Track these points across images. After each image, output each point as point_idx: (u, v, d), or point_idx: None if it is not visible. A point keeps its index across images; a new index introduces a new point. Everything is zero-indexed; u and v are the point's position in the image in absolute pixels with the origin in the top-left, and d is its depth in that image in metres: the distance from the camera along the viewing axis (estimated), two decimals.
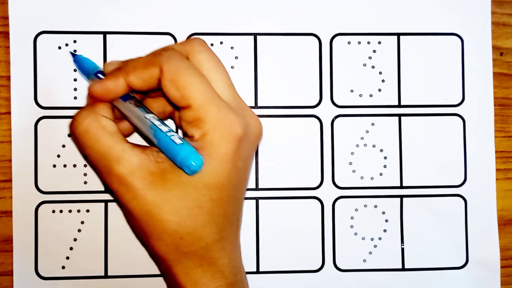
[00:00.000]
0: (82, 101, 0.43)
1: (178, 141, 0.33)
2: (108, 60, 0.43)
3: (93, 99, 0.36)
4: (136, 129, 0.39)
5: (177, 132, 0.41)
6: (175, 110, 0.39)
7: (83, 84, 0.43)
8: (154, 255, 0.36)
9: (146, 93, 0.38)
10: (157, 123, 0.35)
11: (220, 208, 0.34)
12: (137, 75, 0.34)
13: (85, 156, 0.36)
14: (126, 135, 0.40)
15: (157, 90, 0.36)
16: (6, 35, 0.43)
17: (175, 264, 0.35)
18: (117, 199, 0.39)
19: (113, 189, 0.34)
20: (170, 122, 0.43)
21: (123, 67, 0.35)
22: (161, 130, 0.34)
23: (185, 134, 0.35)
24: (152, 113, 0.36)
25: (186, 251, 0.34)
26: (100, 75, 0.38)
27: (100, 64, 0.42)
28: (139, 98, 0.38)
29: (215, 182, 0.34)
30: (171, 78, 0.33)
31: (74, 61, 0.41)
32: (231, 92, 0.36)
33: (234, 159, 0.34)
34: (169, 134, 0.34)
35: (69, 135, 0.43)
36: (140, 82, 0.34)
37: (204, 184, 0.34)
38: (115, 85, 0.35)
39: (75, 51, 0.43)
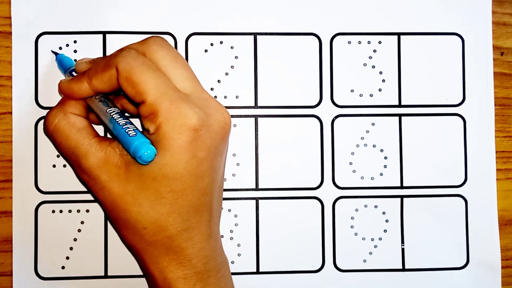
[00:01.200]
0: None
1: (132, 133, 0.35)
2: None
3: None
4: (102, 124, 0.41)
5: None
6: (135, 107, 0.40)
7: None
8: (125, 244, 0.39)
9: (118, 93, 0.40)
10: (116, 116, 0.36)
11: (182, 199, 0.35)
12: (98, 78, 0.36)
13: (60, 153, 0.39)
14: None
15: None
16: (8, 35, 0.43)
17: (143, 253, 0.37)
18: (91, 192, 0.42)
19: (84, 181, 0.37)
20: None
21: (87, 70, 0.37)
22: (119, 123, 0.36)
23: (144, 129, 0.36)
24: (115, 107, 0.37)
25: (151, 240, 0.36)
26: (74, 73, 0.39)
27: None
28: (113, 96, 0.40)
29: (173, 174, 0.35)
30: (125, 77, 0.35)
31: (56, 60, 0.42)
32: (191, 84, 0.36)
33: (191, 150, 0.34)
34: (125, 127, 0.35)
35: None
36: (102, 84, 0.36)
37: (162, 176, 0.34)
38: (78, 88, 0.37)
39: (60, 48, 0.43)
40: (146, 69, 0.35)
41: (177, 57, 0.37)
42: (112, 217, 0.37)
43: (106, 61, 0.36)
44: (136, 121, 0.42)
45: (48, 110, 0.38)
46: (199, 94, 0.37)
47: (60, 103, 0.39)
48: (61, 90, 0.38)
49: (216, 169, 0.37)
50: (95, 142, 0.36)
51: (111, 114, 0.36)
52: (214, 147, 0.36)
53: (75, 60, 0.42)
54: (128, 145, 0.35)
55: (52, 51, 0.43)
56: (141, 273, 0.43)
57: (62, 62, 0.41)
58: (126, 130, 0.35)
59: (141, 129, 0.36)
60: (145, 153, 0.34)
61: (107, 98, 0.38)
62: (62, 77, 0.43)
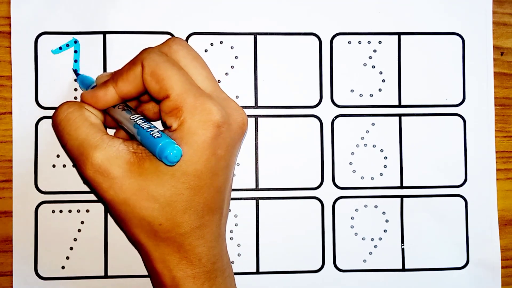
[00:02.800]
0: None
1: (157, 135, 0.34)
2: (108, 59, 0.43)
3: None
4: (127, 133, 0.40)
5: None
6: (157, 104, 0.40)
7: None
8: (133, 242, 0.38)
9: (138, 99, 0.40)
10: (140, 121, 0.36)
11: (199, 196, 0.35)
12: (124, 79, 0.36)
13: (63, 146, 0.37)
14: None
15: (146, 93, 0.38)
16: (7, 35, 0.43)
17: (153, 250, 0.36)
18: (94, 192, 0.40)
19: (89, 179, 0.35)
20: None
21: (112, 76, 0.37)
22: (143, 127, 0.35)
23: (165, 126, 0.36)
24: (137, 114, 0.37)
25: (164, 237, 0.35)
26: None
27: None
28: (133, 105, 0.40)
29: (193, 170, 0.34)
30: (151, 72, 0.35)
31: (77, 80, 0.42)
32: (211, 84, 0.37)
33: (212, 146, 0.35)
34: (149, 130, 0.35)
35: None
36: (127, 85, 0.36)
37: (182, 172, 0.34)
38: (104, 94, 0.37)
39: (76, 70, 0.43)
40: (171, 66, 0.35)
41: (197, 57, 0.37)
42: (123, 217, 0.36)
43: (131, 61, 0.36)
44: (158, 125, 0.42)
45: (62, 103, 0.38)
46: (219, 93, 0.37)
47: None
48: (85, 99, 0.38)
49: (231, 168, 0.37)
50: (107, 138, 0.35)
51: (135, 120, 0.36)
52: (232, 146, 0.36)
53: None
54: (153, 146, 0.34)
55: (74, 70, 0.43)
56: (141, 273, 0.43)
57: (84, 81, 0.41)
58: (151, 133, 0.34)
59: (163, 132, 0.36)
60: (171, 153, 0.33)
61: (129, 107, 0.38)
62: (62, 76, 0.43)
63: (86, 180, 0.40)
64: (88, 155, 0.35)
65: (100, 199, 0.38)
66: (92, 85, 0.40)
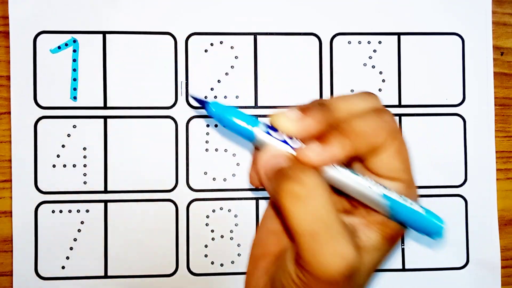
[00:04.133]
0: (82, 101, 0.43)
1: (420, 210, 0.29)
2: (108, 59, 0.43)
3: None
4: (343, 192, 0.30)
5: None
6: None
7: (83, 84, 0.43)
8: None
9: None
10: (387, 192, 0.28)
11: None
12: (365, 139, 0.28)
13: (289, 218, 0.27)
14: None
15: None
16: (6, 34, 0.43)
17: None
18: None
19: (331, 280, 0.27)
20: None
21: (343, 128, 0.28)
22: (400, 202, 0.28)
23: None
24: (367, 178, 0.29)
25: None
26: (271, 131, 0.28)
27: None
28: None
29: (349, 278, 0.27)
30: (398, 150, 0.29)
31: (208, 111, 0.29)
32: None
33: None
34: (408, 203, 0.29)
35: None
36: (364, 147, 0.28)
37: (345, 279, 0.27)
38: (339, 152, 0.28)
39: (213, 97, 0.38)
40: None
41: None
42: None
43: (378, 125, 0.28)
44: None
45: (290, 164, 0.28)
46: None
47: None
48: (311, 159, 0.27)
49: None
50: (353, 243, 0.27)
51: (379, 189, 0.28)
52: None
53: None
54: (423, 226, 0.29)
55: (194, 97, 0.31)
56: (141, 274, 0.43)
57: (229, 115, 0.28)
58: (411, 206, 0.28)
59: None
60: (442, 226, 0.29)
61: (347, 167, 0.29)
62: (61, 76, 0.43)
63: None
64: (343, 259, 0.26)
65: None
66: (261, 125, 0.28)
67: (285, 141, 0.28)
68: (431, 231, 0.28)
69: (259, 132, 0.28)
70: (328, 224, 0.26)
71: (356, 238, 0.29)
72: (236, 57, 0.44)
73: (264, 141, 0.28)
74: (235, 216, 0.44)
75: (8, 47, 0.43)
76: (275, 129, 0.28)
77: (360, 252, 0.28)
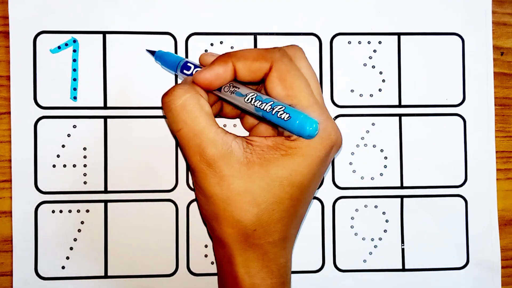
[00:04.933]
0: (82, 101, 0.43)
1: (286, 117, 0.34)
2: (108, 59, 0.43)
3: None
4: (239, 108, 0.40)
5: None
6: None
7: (83, 84, 0.43)
8: (219, 242, 0.36)
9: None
10: (258, 103, 0.35)
11: (294, 208, 0.35)
12: (246, 64, 0.35)
13: (173, 131, 0.35)
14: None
15: (255, 84, 0.37)
16: (6, 35, 0.43)
17: (239, 254, 0.35)
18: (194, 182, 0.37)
19: (197, 170, 0.35)
20: None
21: (232, 54, 0.36)
22: (266, 111, 0.35)
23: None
24: (250, 92, 0.36)
25: (253, 243, 0.35)
26: (190, 64, 0.39)
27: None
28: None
29: (299, 182, 0.34)
30: (280, 76, 0.34)
31: (155, 58, 0.42)
32: (322, 101, 0.37)
33: (322, 163, 0.35)
34: (274, 112, 0.34)
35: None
36: (247, 72, 0.35)
37: (289, 182, 0.34)
38: (224, 71, 0.35)
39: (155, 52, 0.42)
40: (300, 76, 0.35)
41: (313, 72, 0.37)
42: (219, 214, 0.35)
43: (259, 53, 0.35)
44: None
45: (174, 85, 0.36)
46: (326, 110, 0.36)
47: (188, 83, 0.36)
48: (201, 78, 0.35)
49: (317, 187, 0.38)
50: (221, 132, 0.35)
51: (253, 103, 0.35)
52: (328, 166, 0.37)
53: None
54: (289, 128, 0.34)
55: (148, 50, 0.42)
56: (141, 273, 0.43)
57: (167, 57, 0.41)
58: (278, 115, 0.34)
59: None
60: (310, 128, 0.33)
61: (236, 86, 0.36)
62: (61, 76, 0.43)
63: (189, 167, 0.40)
64: (204, 148, 0.34)
65: (198, 190, 0.36)
66: (183, 62, 0.39)
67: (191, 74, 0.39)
68: (301, 133, 0.33)
69: (179, 67, 0.39)
70: (188, 123, 0.34)
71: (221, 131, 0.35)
72: None
73: (181, 74, 0.39)
74: None
75: (8, 47, 0.43)
76: (188, 67, 0.39)
77: (226, 137, 0.35)
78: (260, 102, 0.35)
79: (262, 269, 0.35)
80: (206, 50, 0.44)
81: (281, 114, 0.34)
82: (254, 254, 0.35)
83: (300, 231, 0.44)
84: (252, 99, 0.35)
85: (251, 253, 0.35)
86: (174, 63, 0.40)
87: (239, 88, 0.36)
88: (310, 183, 0.35)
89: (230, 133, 0.35)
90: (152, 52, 0.42)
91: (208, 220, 0.37)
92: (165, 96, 0.35)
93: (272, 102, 0.34)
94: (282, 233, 0.35)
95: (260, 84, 0.38)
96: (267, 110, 0.34)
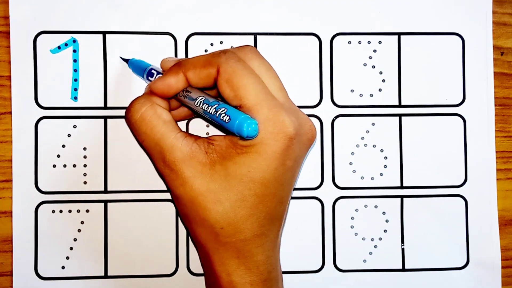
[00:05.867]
0: (82, 101, 0.43)
1: (227, 118, 0.35)
2: (108, 59, 0.43)
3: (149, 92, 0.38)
4: (194, 112, 0.41)
5: None
6: None
7: (83, 84, 0.43)
8: (195, 241, 0.38)
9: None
10: (205, 107, 0.36)
11: (263, 204, 0.36)
12: (196, 73, 0.36)
13: (139, 142, 0.38)
14: (181, 120, 0.43)
15: (211, 89, 0.38)
16: (6, 35, 0.43)
17: (213, 253, 0.36)
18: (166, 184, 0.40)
19: (163, 174, 0.37)
20: None
21: (183, 64, 0.37)
22: (211, 113, 0.36)
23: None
24: (198, 96, 0.37)
25: (225, 241, 0.36)
26: (153, 71, 0.40)
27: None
28: None
29: (261, 178, 0.35)
30: (227, 78, 0.35)
31: (129, 65, 0.43)
32: (283, 95, 0.37)
33: (282, 157, 0.35)
34: (218, 114, 0.35)
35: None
36: (197, 79, 0.37)
37: (249, 179, 0.35)
38: (176, 81, 0.37)
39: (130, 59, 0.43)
40: (248, 74, 0.35)
41: (270, 67, 0.37)
42: (188, 214, 0.36)
43: (206, 59, 0.36)
44: None
45: (133, 99, 0.38)
46: (290, 105, 0.37)
47: (146, 94, 0.38)
48: (155, 88, 0.38)
49: (295, 179, 0.38)
50: (181, 137, 0.36)
51: (201, 107, 0.36)
52: (300, 157, 0.37)
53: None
54: (230, 127, 0.35)
55: (121, 58, 0.43)
56: (141, 273, 0.43)
57: (137, 65, 0.42)
58: (221, 118, 0.35)
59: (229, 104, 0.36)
60: (249, 129, 0.34)
61: (189, 91, 0.38)
62: (61, 76, 0.43)
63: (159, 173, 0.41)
64: (164, 154, 0.36)
65: (170, 193, 0.38)
66: (149, 68, 0.40)
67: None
68: (240, 133, 0.34)
69: (145, 74, 0.41)
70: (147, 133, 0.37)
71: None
72: None
73: (147, 80, 0.41)
74: None
75: (9, 47, 0.43)
76: (152, 73, 0.40)
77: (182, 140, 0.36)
78: (207, 105, 0.36)
79: (239, 266, 0.36)
80: (206, 50, 0.44)
81: (223, 117, 0.35)
82: (228, 253, 0.36)
83: (299, 230, 0.44)
84: (200, 102, 0.37)
85: (224, 251, 0.36)
86: (142, 70, 0.41)
87: (190, 92, 0.37)
88: (273, 178, 0.35)
89: (191, 135, 0.37)
90: (126, 60, 0.43)
91: (182, 220, 0.39)
92: (126, 112, 0.38)
93: (217, 105, 0.36)
94: (253, 230, 0.36)
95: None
96: (212, 113, 0.36)
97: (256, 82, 0.35)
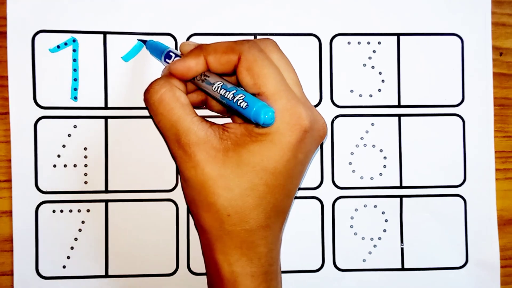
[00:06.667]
0: (82, 101, 0.43)
1: (244, 105, 0.35)
2: (108, 59, 0.43)
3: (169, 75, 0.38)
4: (210, 97, 0.41)
5: None
6: None
7: (84, 84, 0.43)
8: (199, 227, 0.38)
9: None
10: (223, 92, 0.36)
11: (271, 195, 0.36)
12: (216, 57, 0.37)
13: (155, 123, 0.38)
14: (197, 106, 0.43)
15: (229, 75, 0.38)
16: (4, 34, 0.43)
17: (216, 240, 0.36)
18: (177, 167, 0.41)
19: (176, 156, 0.37)
20: None
21: (204, 47, 0.37)
22: (228, 99, 0.36)
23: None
24: (217, 81, 0.37)
25: (229, 230, 0.36)
26: (171, 54, 0.40)
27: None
28: None
29: (273, 168, 0.35)
30: (248, 66, 0.35)
31: (146, 47, 0.43)
32: (299, 90, 0.37)
33: (295, 149, 0.35)
34: (235, 100, 0.35)
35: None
36: (217, 64, 0.37)
37: (261, 167, 0.35)
38: (196, 63, 0.37)
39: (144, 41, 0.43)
40: (269, 65, 0.36)
41: (288, 62, 0.38)
42: (196, 198, 0.37)
43: (228, 45, 0.37)
44: None
45: (153, 80, 0.38)
46: (305, 100, 0.37)
47: (165, 76, 0.38)
48: (175, 69, 0.38)
49: (303, 175, 0.38)
50: (197, 121, 0.36)
51: (219, 92, 0.37)
52: (310, 152, 0.37)
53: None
54: (247, 116, 0.35)
55: (139, 40, 0.43)
56: (141, 273, 0.43)
57: (156, 46, 0.42)
58: (238, 104, 0.35)
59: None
60: (266, 117, 0.34)
61: (207, 75, 0.38)
62: (60, 75, 0.43)
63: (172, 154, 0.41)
64: (180, 136, 0.36)
65: (180, 175, 0.37)
66: (167, 50, 0.41)
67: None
68: (257, 120, 0.34)
69: (162, 56, 0.41)
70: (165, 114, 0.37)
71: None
72: None
73: (164, 63, 0.41)
74: None
75: (5, 47, 0.42)
76: (170, 56, 0.40)
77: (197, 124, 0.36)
78: (225, 91, 0.36)
79: (241, 257, 0.36)
80: None
81: (240, 103, 0.35)
82: (232, 241, 0.36)
83: (299, 230, 0.44)
84: (218, 87, 0.37)
85: (228, 239, 0.36)
86: (160, 53, 0.41)
87: (209, 77, 0.37)
88: (285, 170, 0.35)
89: (207, 121, 0.37)
90: (144, 42, 0.43)
91: (188, 204, 0.38)
92: (145, 92, 0.38)
93: (235, 91, 0.36)
94: (259, 221, 0.36)
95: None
96: (230, 99, 0.36)
97: (276, 73, 0.36)
